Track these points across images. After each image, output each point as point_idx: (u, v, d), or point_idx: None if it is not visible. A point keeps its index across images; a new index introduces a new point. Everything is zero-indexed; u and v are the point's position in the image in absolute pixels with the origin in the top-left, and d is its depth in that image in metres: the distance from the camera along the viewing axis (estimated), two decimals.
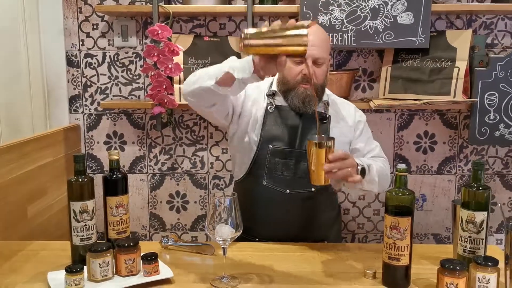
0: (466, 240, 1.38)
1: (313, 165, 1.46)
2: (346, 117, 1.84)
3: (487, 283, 1.29)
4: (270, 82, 1.84)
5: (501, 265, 1.31)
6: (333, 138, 1.47)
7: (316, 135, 1.56)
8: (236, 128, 1.80)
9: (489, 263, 1.29)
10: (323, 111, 1.79)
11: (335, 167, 1.44)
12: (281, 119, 1.76)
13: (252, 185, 1.76)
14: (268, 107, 1.77)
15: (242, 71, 1.42)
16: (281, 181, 1.73)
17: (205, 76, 1.53)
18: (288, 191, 1.73)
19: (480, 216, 1.36)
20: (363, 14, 2.18)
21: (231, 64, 1.46)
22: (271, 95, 1.79)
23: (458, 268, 1.27)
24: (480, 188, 1.36)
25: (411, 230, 1.33)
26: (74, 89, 2.51)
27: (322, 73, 1.73)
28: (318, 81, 1.72)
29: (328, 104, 1.81)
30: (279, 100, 1.78)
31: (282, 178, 1.73)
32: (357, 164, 1.57)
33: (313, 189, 1.73)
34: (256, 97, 1.81)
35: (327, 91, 1.85)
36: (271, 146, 1.73)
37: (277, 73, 1.78)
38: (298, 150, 1.73)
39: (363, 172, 1.60)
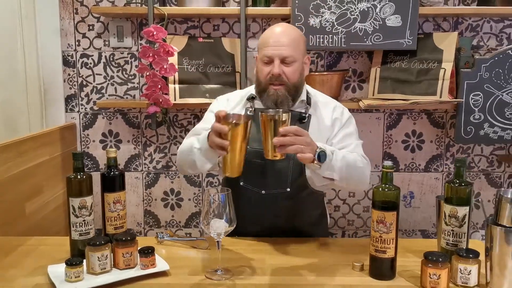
0: (449, 233, 1.44)
1: (264, 138, 1.45)
2: (324, 117, 1.81)
3: (468, 274, 1.36)
4: (253, 87, 1.86)
5: (482, 257, 1.38)
6: (288, 112, 1.47)
7: (271, 109, 1.55)
8: None
9: (471, 255, 1.36)
10: (303, 111, 1.79)
11: (285, 141, 1.42)
12: (258, 121, 1.71)
13: (231, 185, 1.71)
14: (248, 111, 1.79)
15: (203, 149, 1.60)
16: (256, 181, 1.74)
17: (187, 162, 1.73)
18: (263, 192, 1.74)
19: (462, 210, 1.42)
20: (353, 16, 2.25)
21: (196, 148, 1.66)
22: (251, 98, 1.81)
23: (440, 259, 1.33)
24: (462, 184, 1.43)
25: (397, 224, 1.39)
26: (70, 88, 2.55)
27: (293, 72, 1.72)
28: (289, 80, 1.71)
29: (309, 103, 1.81)
30: (259, 104, 1.79)
31: (259, 179, 1.74)
32: (317, 146, 1.53)
33: (288, 189, 1.73)
34: (237, 103, 1.84)
35: (311, 90, 1.87)
36: (248, 147, 1.70)
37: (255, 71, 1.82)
38: None
39: (323, 156, 1.54)
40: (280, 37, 1.71)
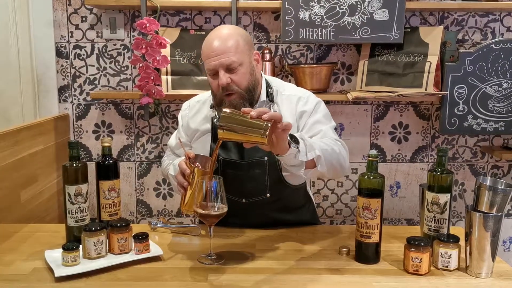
0: (431, 220, 1.51)
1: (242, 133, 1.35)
2: (289, 112, 1.72)
3: (449, 258, 1.43)
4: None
5: (462, 242, 1.45)
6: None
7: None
8: (191, 146, 1.84)
9: (451, 240, 1.43)
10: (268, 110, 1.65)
11: (261, 113, 1.31)
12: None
13: None
14: (215, 120, 1.73)
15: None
16: (235, 191, 1.70)
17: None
18: (244, 200, 1.74)
19: (443, 198, 1.49)
20: (342, 10, 2.30)
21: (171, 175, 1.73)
22: (213, 107, 1.74)
23: (422, 244, 1.40)
24: (444, 172, 1.50)
25: (381, 211, 1.45)
26: (63, 79, 2.58)
27: (242, 77, 1.63)
28: (240, 86, 1.63)
29: (271, 100, 1.73)
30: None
31: (238, 189, 1.71)
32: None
33: (268, 195, 1.72)
34: (198, 110, 1.82)
35: (275, 84, 1.79)
36: (221, 157, 1.70)
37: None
38: (245, 161, 1.70)
39: (294, 138, 1.44)
40: (218, 45, 1.60)
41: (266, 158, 1.70)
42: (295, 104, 1.74)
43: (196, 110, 1.84)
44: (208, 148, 1.76)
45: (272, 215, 1.79)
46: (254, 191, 1.73)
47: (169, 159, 1.90)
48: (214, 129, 1.73)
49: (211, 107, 1.77)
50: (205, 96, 1.86)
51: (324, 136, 1.67)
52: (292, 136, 1.43)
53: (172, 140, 1.93)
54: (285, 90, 1.78)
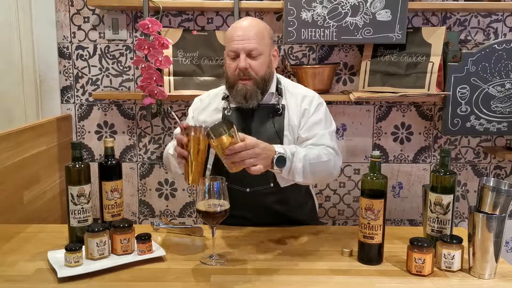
0: (434, 220, 1.51)
1: (219, 156, 1.47)
2: (293, 109, 1.80)
3: (452, 259, 1.43)
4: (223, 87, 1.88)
5: (466, 243, 1.45)
6: (231, 124, 1.45)
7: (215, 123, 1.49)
8: None
9: (454, 241, 1.43)
10: (276, 103, 1.80)
11: (235, 159, 1.43)
12: (237, 119, 1.78)
13: None
14: (225, 111, 1.80)
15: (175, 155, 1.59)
16: (240, 180, 1.74)
17: (168, 169, 1.85)
18: (248, 190, 1.77)
19: (446, 198, 1.49)
20: (344, 11, 2.30)
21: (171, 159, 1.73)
22: (226, 97, 1.82)
23: (425, 245, 1.40)
24: (447, 173, 1.49)
25: (384, 211, 1.45)
26: (66, 80, 2.59)
27: (260, 65, 1.72)
28: (257, 73, 1.72)
29: (280, 94, 1.81)
30: (233, 102, 1.80)
31: (243, 178, 1.70)
32: (274, 151, 1.52)
33: (271, 185, 1.76)
34: (210, 102, 1.87)
35: (284, 81, 1.87)
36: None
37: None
38: None
39: (282, 161, 1.54)
40: (245, 30, 1.72)
41: None
42: (300, 101, 1.82)
43: (208, 102, 1.90)
44: None
45: (274, 207, 1.81)
46: (258, 181, 1.75)
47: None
48: (223, 119, 1.80)
49: (223, 99, 1.83)
50: (217, 90, 1.93)
51: (318, 141, 1.73)
52: (280, 156, 1.53)
53: (178, 129, 1.88)
54: (292, 88, 1.87)
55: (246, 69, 1.70)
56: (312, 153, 1.64)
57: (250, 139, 1.46)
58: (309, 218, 1.93)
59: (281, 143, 1.74)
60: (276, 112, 1.79)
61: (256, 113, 1.79)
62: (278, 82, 1.85)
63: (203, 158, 1.50)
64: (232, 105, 1.81)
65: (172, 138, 2.61)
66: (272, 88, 1.81)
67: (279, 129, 1.77)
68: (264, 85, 1.76)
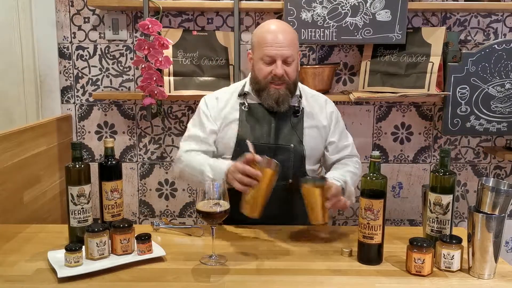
0: (433, 220, 1.51)
1: (311, 207, 1.60)
2: (318, 111, 1.89)
3: (451, 259, 1.43)
4: (243, 84, 1.91)
5: (465, 243, 1.45)
6: (325, 178, 1.62)
7: (308, 176, 1.70)
8: (219, 134, 1.88)
9: (454, 241, 1.43)
10: (296, 105, 1.85)
11: (337, 206, 1.61)
12: (255, 117, 1.82)
13: None
14: (242, 107, 1.84)
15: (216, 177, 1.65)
16: None
17: (193, 181, 1.80)
18: None
19: (446, 199, 1.49)
20: (344, 11, 2.30)
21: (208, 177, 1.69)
22: (243, 95, 1.86)
23: (425, 245, 1.40)
24: (447, 173, 1.49)
25: (384, 212, 1.45)
26: (66, 80, 2.59)
27: (293, 71, 1.78)
28: (290, 79, 1.77)
29: (300, 97, 1.88)
30: (251, 99, 1.85)
31: None
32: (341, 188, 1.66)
33: (290, 180, 1.80)
34: (227, 100, 1.88)
35: (302, 86, 1.94)
36: (251, 142, 1.75)
37: (250, 73, 1.89)
38: (274, 145, 1.80)
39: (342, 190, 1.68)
40: (280, 36, 1.74)
41: (292, 145, 1.81)
42: (324, 104, 1.92)
43: (226, 100, 1.90)
44: (235, 135, 1.82)
45: (287, 204, 1.83)
46: (279, 176, 1.74)
47: (198, 154, 1.84)
48: (240, 115, 1.84)
49: (239, 95, 1.87)
50: (231, 88, 1.95)
51: (351, 154, 1.92)
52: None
53: (197, 130, 1.87)
54: (306, 89, 1.96)
55: (282, 75, 1.74)
56: (352, 175, 1.82)
57: (332, 183, 1.61)
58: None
59: (301, 142, 1.82)
60: (296, 113, 1.84)
61: (276, 113, 1.82)
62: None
63: (270, 192, 1.57)
64: (250, 101, 1.84)
65: (172, 140, 2.62)
66: (297, 91, 1.86)
67: (299, 128, 1.83)
68: (294, 88, 1.82)
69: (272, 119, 1.82)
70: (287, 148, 1.81)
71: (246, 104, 1.84)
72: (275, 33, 1.75)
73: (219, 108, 1.89)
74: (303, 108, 1.86)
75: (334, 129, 1.91)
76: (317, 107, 1.90)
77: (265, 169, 1.55)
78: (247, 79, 1.91)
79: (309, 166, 1.87)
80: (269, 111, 1.82)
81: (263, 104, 1.81)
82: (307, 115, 1.87)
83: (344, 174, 1.78)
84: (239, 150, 1.79)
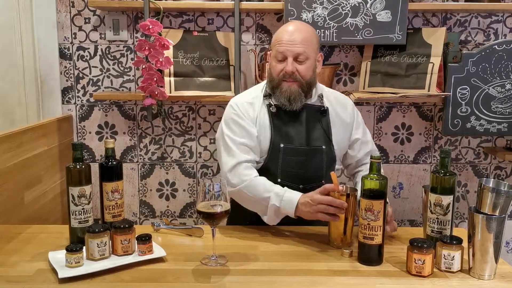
0: (434, 221, 1.51)
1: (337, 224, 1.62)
2: (342, 109, 1.90)
3: (452, 260, 1.43)
4: (263, 86, 1.88)
5: (466, 244, 1.45)
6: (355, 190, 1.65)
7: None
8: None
9: (454, 242, 1.43)
10: (319, 104, 1.85)
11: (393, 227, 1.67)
12: (285, 117, 1.81)
13: None
14: (270, 108, 1.81)
15: (282, 210, 1.68)
16: (295, 177, 1.79)
17: (247, 205, 1.77)
18: (301, 186, 1.78)
19: (446, 199, 1.49)
20: (344, 11, 2.30)
21: (270, 209, 1.69)
22: (268, 95, 1.83)
23: (425, 245, 1.40)
24: (447, 174, 1.50)
25: (384, 212, 1.45)
26: (67, 80, 2.59)
27: (306, 70, 1.76)
28: (303, 77, 1.76)
29: (322, 97, 1.86)
30: (276, 100, 1.81)
31: (296, 175, 1.79)
32: None
33: (323, 181, 1.78)
34: (256, 104, 1.84)
35: (321, 85, 1.93)
36: (282, 145, 1.78)
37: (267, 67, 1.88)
38: (307, 148, 1.80)
39: None
40: (294, 34, 1.75)
41: (323, 147, 1.81)
42: (345, 101, 1.94)
43: (259, 107, 1.84)
44: (268, 138, 1.79)
45: None
46: (312, 177, 1.80)
47: (255, 175, 1.75)
48: (270, 116, 1.81)
49: (264, 96, 1.84)
50: (252, 91, 1.90)
51: (372, 148, 1.94)
52: None
53: (240, 139, 1.78)
54: (326, 90, 1.95)
55: (293, 72, 1.74)
56: None
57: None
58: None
59: (330, 141, 1.83)
60: (322, 113, 1.84)
61: (303, 113, 1.82)
62: (318, 86, 1.90)
63: (353, 220, 1.62)
64: (275, 102, 1.82)
65: (172, 140, 2.62)
66: (319, 90, 1.87)
67: (327, 129, 1.84)
68: (308, 88, 1.80)
69: (301, 121, 1.81)
70: (319, 149, 1.81)
71: (273, 105, 1.81)
72: (289, 31, 1.77)
73: (254, 111, 1.83)
74: (327, 107, 1.86)
75: (357, 126, 1.92)
76: (340, 105, 1.90)
77: (353, 201, 1.59)
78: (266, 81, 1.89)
79: (337, 166, 1.90)
80: (294, 113, 1.80)
81: (277, 102, 1.79)
82: (332, 114, 1.86)
83: None
84: (274, 153, 1.79)
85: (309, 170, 1.81)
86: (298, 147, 1.80)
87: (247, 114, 1.81)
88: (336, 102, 1.91)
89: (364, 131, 1.95)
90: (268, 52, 1.90)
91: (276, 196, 1.67)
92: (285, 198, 1.65)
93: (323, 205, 1.56)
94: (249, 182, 1.71)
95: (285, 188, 1.70)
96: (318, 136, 1.83)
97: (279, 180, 1.78)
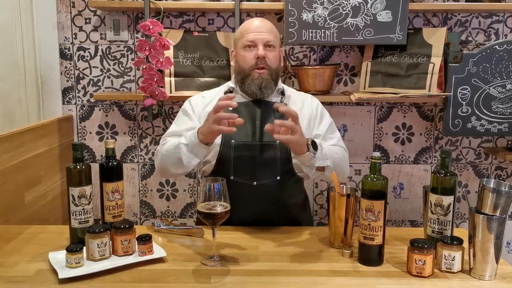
0: (434, 222, 1.51)
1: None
2: (301, 105, 1.89)
3: (452, 260, 1.43)
4: (228, 84, 1.93)
5: (466, 244, 1.45)
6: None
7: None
8: None
9: (455, 242, 1.43)
10: (279, 100, 1.86)
11: (285, 124, 1.54)
12: (240, 114, 1.77)
13: None
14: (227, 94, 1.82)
15: (191, 144, 1.68)
16: (248, 174, 1.78)
17: (173, 163, 1.76)
18: (255, 183, 1.78)
19: (447, 200, 1.49)
20: (345, 12, 2.30)
21: (183, 149, 1.70)
22: (229, 92, 1.87)
23: (426, 246, 1.40)
24: (448, 174, 1.49)
25: (385, 213, 1.45)
26: (67, 81, 2.59)
27: (274, 57, 1.83)
28: (272, 64, 1.82)
29: (283, 93, 1.89)
30: (237, 97, 1.83)
31: (249, 171, 1.78)
32: (306, 138, 1.64)
33: (278, 178, 1.79)
34: (212, 98, 1.89)
35: (282, 85, 1.93)
36: (233, 141, 1.78)
37: (233, 64, 1.93)
38: (259, 143, 1.80)
39: (314, 146, 1.65)
40: (262, 24, 1.84)
41: (277, 142, 1.78)
42: (310, 100, 1.94)
43: (210, 98, 1.92)
44: (219, 136, 1.78)
45: (279, 202, 1.82)
46: (266, 173, 1.78)
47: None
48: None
49: (225, 93, 1.88)
50: (217, 89, 1.99)
51: (337, 144, 1.89)
52: (313, 142, 1.65)
53: (174, 127, 1.90)
54: (289, 89, 1.97)
55: (264, 57, 1.79)
56: (334, 148, 1.82)
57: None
58: (307, 220, 1.98)
59: None
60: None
61: (258, 109, 1.84)
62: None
63: (352, 217, 1.62)
64: (236, 100, 1.79)
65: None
66: (279, 85, 1.90)
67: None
68: (275, 78, 1.84)
69: (256, 116, 1.83)
70: (272, 145, 1.79)
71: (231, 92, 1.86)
72: (255, 22, 1.85)
73: (204, 105, 1.90)
74: (286, 104, 1.86)
75: (320, 122, 1.91)
76: (300, 102, 1.92)
77: (340, 196, 1.59)
78: (232, 79, 1.94)
79: (295, 161, 1.85)
80: (253, 108, 1.82)
81: (247, 92, 1.83)
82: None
83: (321, 142, 1.76)
84: (225, 150, 1.79)
85: (262, 166, 1.78)
86: (250, 143, 1.80)
87: (192, 105, 1.89)
88: (297, 98, 1.94)
89: (329, 130, 1.91)
90: (231, 51, 1.93)
91: (183, 137, 1.73)
92: (190, 133, 1.71)
93: (216, 115, 1.57)
94: (162, 149, 1.81)
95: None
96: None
97: (232, 177, 1.77)
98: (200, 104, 1.91)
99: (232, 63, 1.94)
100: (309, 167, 1.70)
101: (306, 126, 1.85)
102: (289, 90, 1.97)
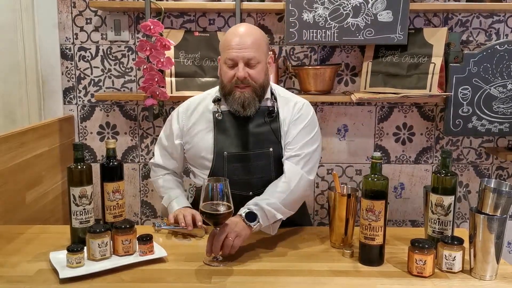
0: (435, 222, 1.51)
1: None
2: (286, 113, 1.80)
3: (453, 260, 1.43)
4: (216, 90, 1.86)
5: (467, 244, 1.45)
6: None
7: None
8: (189, 147, 1.85)
9: (455, 242, 1.43)
10: (270, 105, 1.79)
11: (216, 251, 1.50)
12: (230, 124, 1.77)
13: None
14: (216, 115, 1.77)
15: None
16: (242, 184, 1.74)
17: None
18: (251, 193, 1.75)
19: (448, 200, 1.49)
20: (345, 12, 2.30)
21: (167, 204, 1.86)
22: (217, 101, 1.79)
23: (426, 246, 1.40)
24: (448, 174, 1.49)
25: (385, 213, 1.45)
26: (68, 81, 2.59)
27: (258, 73, 1.71)
28: (256, 81, 1.71)
29: (276, 99, 1.81)
30: (225, 106, 1.79)
31: (243, 182, 1.75)
32: (240, 215, 1.57)
33: None
34: (199, 113, 1.83)
35: (275, 87, 1.87)
36: (226, 153, 1.74)
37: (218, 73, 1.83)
38: (252, 152, 1.75)
39: (251, 215, 1.58)
40: (243, 38, 1.69)
41: (270, 149, 1.76)
42: (292, 106, 1.81)
43: (194, 107, 1.86)
44: (211, 143, 1.78)
45: None
46: (261, 182, 1.75)
47: (164, 176, 1.98)
48: (215, 124, 1.79)
49: (214, 101, 1.81)
50: (202, 95, 1.91)
51: (297, 163, 1.73)
52: (248, 214, 1.58)
53: (164, 139, 1.96)
54: (281, 92, 1.88)
55: (245, 78, 1.69)
56: (275, 191, 1.68)
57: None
58: (306, 225, 1.96)
59: (279, 141, 1.77)
60: (271, 113, 1.78)
61: (250, 117, 1.77)
62: (271, 88, 1.84)
63: (352, 219, 1.63)
64: (224, 108, 1.79)
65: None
66: (268, 94, 1.80)
67: (276, 129, 1.77)
68: (262, 92, 1.75)
69: (248, 125, 1.77)
70: (266, 153, 1.76)
71: (220, 112, 1.77)
72: (238, 35, 1.70)
73: (188, 115, 1.85)
74: (277, 109, 1.79)
75: (293, 127, 1.78)
76: (284, 101, 1.82)
77: (340, 196, 1.60)
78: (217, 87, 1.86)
79: None
80: (242, 117, 1.76)
81: (230, 109, 1.75)
82: (281, 112, 1.80)
83: (256, 198, 1.66)
84: (218, 163, 1.76)
85: (256, 175, 1.76)
86: (243, 153, 1.75)
87: (179, 121, 1.87)
88: (284, 100, 1.82)
89: (297, 138, 1.77)
90: (218, 57, 1.82)
91: (168, 197, 1.87)
92: (169, 202, 1.85)
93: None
94: (155, 179, 1.98)
95: (178, 193, 1.88)
96: (266, 138, 1.76)
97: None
98: (186, 114, 1.86)
99: (218, 71, 1.83)
100: (267, 230, 1.69)
101: (291, 127, 1.79)
102: (279, 92, 1.86)
